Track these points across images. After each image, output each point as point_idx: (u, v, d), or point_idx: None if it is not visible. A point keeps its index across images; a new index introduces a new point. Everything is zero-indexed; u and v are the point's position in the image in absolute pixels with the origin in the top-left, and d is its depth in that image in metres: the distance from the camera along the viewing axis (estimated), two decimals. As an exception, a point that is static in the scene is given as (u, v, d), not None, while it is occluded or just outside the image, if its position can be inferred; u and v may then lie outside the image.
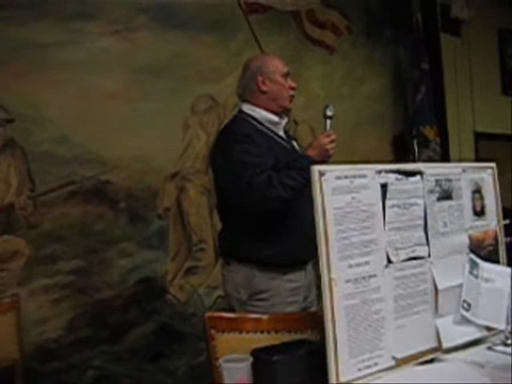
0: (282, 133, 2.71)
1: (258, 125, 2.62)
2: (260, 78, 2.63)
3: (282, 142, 2.67)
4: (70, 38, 3.27)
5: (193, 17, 3.75)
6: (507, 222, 4.11)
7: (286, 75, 2.68)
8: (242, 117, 2.66)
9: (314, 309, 2.70)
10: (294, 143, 2.77)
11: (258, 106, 2.64)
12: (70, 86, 3.24)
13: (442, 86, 5.15)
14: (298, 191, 2.43)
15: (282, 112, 2.70)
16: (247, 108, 2.67)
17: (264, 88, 2.63)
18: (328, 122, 2.64)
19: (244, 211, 2.52)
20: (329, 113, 2.64)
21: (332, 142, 2.55)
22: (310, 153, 2.54)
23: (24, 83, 3.08)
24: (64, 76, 3.22)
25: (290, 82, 2.69)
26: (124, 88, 3.44)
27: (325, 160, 2.52)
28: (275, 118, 2.66)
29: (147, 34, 3.56)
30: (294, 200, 2.47)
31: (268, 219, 2.49)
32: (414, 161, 4.58)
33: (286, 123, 2.77)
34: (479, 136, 5.55)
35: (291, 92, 2.69)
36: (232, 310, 2.62)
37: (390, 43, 4.97)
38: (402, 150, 3.53)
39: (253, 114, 2.64)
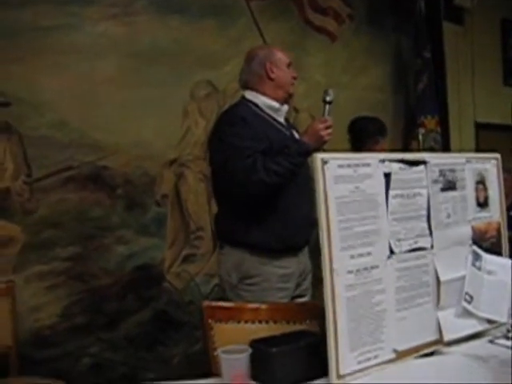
0: (282, 119, 2.72)
1: (258, 110, 2.63)
2: (269, 65, 2.66)
3: (282, 128, 2.66)
4: (68, 21, 3.22)
5: (193, 2, 3.70)
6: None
7: (289, 65, 2.72)
8: (242, 102, 2.68)
9: (307, 297, 2.70)
10: (294, 132, 2.75)
11: (263, 92, 2.66)
12: (68, 71, 3.20)
13: (444, 76, 5.11)
14: (285, 177, 2.43)
15: (286, 99, 2.72)
16: (249, 94, 2.69)
17: (272, 75, 2.66)
18: (327, 107, 2.63)
19: (231, 194, 2.52)
20: (328, 98, 2.63)
21: (327, 128, 2.53)
22: (305, 139, 2.53)
23: (21, 67, 3.04)
24: (62, 60, 3.18)
25: (292, 72, 2.73)
26: (122, 73, 3.40)
27: (320, 146, 2.50)
28: (276, 104, 2.67)
29: (146, 18, 3.52)
30: (288, 185, 2.47)
31: (261, 204, 2.49)
32: (418, 150, 4.55)
33: (287, 111, 2.78)
34: (480, 126, 5.53)
35: (293, 81, 2.72)
36: (224, 294, 2.63)
37: (392, 31, 4.92)
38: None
39: (254, 100, 2.66)
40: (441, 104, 4.98)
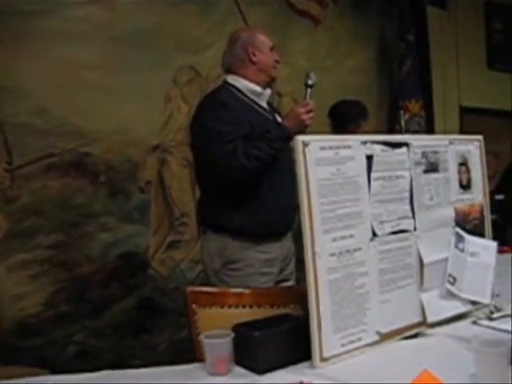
0: (264, 104, 2.70)
1: (240, 95, 2.61)
2: (251, 49, 2.64)
3: (264, 112, 2.64)
4: (48, 6, 3.16)
5: (175, -15, 3.65)
6: (501, 197, 4.10)
7: (272, 49, 2.70)
8: (224, 87, 2.66)
9: (291, 282, 2.70)
10: (277, 116, 2.73)
11: (245, 76, 2.64)
12: (48, 56, 3.15)
13: (428, 60, 5.10)
14: (266, 162, 2.43)
15: (268, 83, 2.71)
16: (231, 79, 2.67)
17: (254, 58, 2.64)
18: (309, 90, 2.61)
19: (212, 179, 2.52)
20: (309, 81, 2.61)
21: (309, 112, 2.51)
22: (287, 123, 2.52)
23: (1, 53, 2.99)
24: (42, 46, 3.14)
25: (275, 55, 2.71)
26: (104, 58, 3.35)
27: (301, 130, 2.48)
28: (258, 89, 2.65)
29: (128, 2, 3.46)
30: (271, 170, 2.47)
31: (243, 188, 2.48)
32: (400, 133, 4.55)
33: (270, 95, 2.76)
34: (464, 110, 5.53)
35: (275, 65, 2.71)
36: (208, 279, 2.62)
37: (376, 15, 4.88)
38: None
39: (236, 84, 2.64)
40: (425, 88, 4.97)
